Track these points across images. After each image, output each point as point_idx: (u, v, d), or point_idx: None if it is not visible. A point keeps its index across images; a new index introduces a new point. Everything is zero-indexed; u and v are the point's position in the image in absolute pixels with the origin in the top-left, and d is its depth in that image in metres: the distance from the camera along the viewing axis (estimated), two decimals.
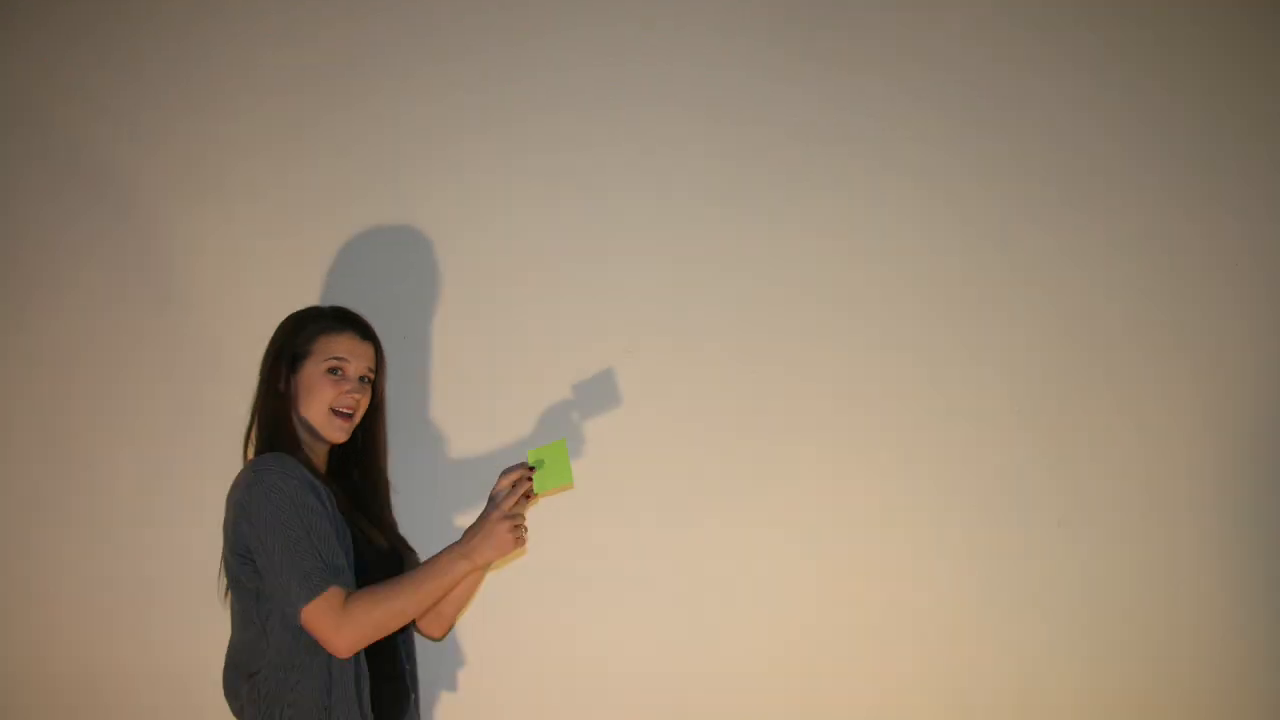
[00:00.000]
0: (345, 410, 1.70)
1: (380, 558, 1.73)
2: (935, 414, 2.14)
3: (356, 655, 1.63)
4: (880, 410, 2.14)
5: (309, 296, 2.08)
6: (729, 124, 2.16)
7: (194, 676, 2.06)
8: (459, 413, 2.10)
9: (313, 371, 1.70)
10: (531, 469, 1.66)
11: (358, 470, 1.81)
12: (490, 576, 2.01)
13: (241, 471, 1.66)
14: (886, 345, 2.14)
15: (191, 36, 2.16)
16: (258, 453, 1.70)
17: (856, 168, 2.17)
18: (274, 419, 1.70)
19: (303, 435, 1.71)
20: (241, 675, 1.64)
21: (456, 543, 1.62)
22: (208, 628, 2.07)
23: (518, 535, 1.61)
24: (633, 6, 2.17)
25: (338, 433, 1.71)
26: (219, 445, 2.09)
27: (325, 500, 1.63)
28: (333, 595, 1.55)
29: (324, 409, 1.69)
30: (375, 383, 1.79)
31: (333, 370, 1.70)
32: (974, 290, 2.17)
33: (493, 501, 1.64)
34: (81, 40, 2.16)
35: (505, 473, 1.67)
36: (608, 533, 2.10)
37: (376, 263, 2.12)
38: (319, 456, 1.75)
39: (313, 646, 1.59)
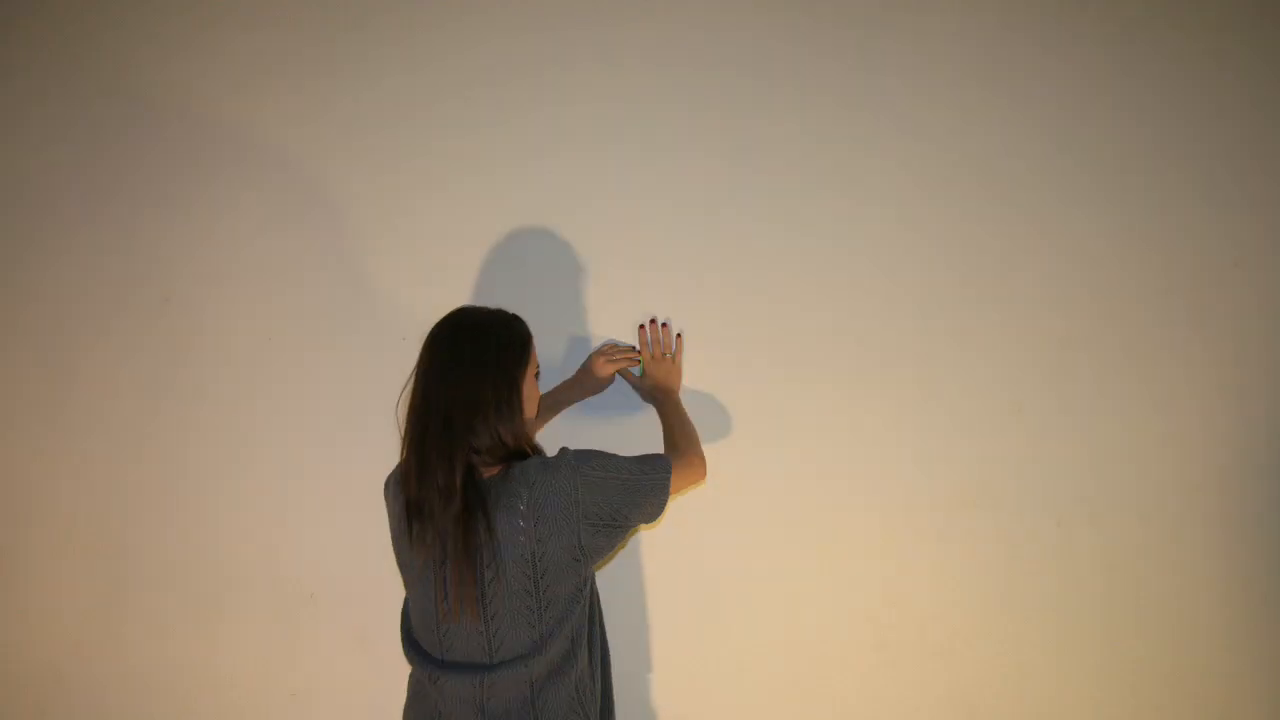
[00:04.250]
0: None
1: None
2: (934, 415, 2.15)
3: (598, 639, 1.77)
4: (879, 410, 2.14)
5: (311, 294, 2.08)
6: (733, 123, 2.14)
7: (197, 676, 2.07)
8: None
9: (530, 381, 1.71)
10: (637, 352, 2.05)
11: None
12: None
13: (541, 473, 1.62)
14: (884, 346, 2.14)
15: (195, 35, 2.14)
16: (510, 458, 1.66)
17: (862, 166, 2.16)
18: (527, 427, 1.69)
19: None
20: (564, 687, 1.64)
21: (669, 390, 2.01)
22: (210, 629, 2.07)
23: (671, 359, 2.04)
24: (647, 10, 2.15)
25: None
26: (221, 443, 2.09)
27: None
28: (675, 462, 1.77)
29: (536, 408, 1.73)
30: None
31: (537, 375, 1.76)
32: (973, 290, 2.16)
33: (602, 354, 2.02)
34: (84, 39, 2.14)
35: (608, 346, 2.04)
36: None
37: (381, 260, 2.12)
38: None
39: (584, 640, 1.68)
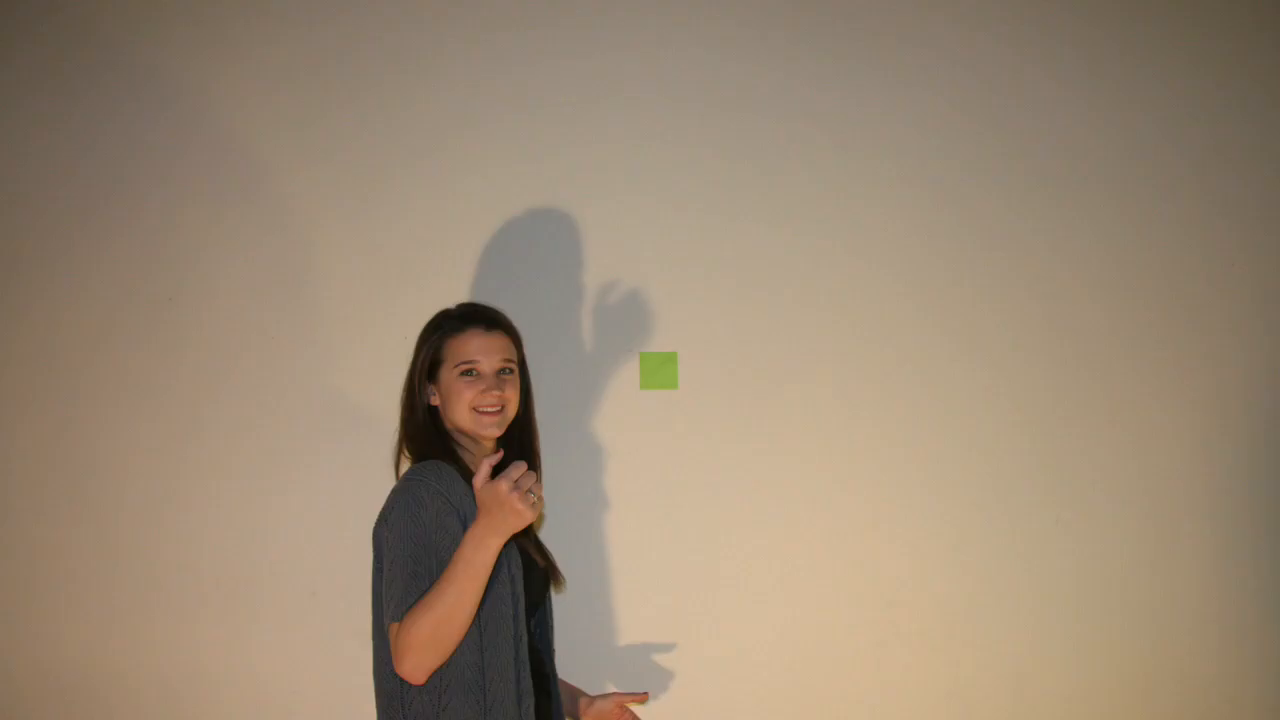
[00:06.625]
0: (488, 409, 1.67)
1: (535, 573, 1.72)
2: (933, 414, 2.15)
3: (518, 671, 1.60)
4: (877, 411, 2.15)
5: (313, 294, 2.10)
6: (727, 122, 2.16)
7: (196, 676, 2.07)
8: None
9: (448, 377, 1.68)
10: None
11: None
12: None
13: (400, 478, 1.65)
14: (884, 346, 2.15)
15: (185, 33, 2.16)
16: (412, 464, 1.70)
17: (852, 169, 2.17)
18: (423, 430, 1.70)
19: (460, 439, 1.71)
20: (395, 702, 1.57)
21: (474, 527, 1.49)
22: (209, 628, 2.08)
23: (530, 501, 1.47)
24: (648, 12, 2.18)
25: (490, 428, 1.68)
26: (220, 445, 2.10)
27: (472, 520, 1.54)
28: None
29: (466, 410, 1.67)
30: (521, 370, 1.77)
31: (466, 372, 1.68)
32: (971, 290, 2.18)
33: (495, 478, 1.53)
34: (84, 40, 2.16)
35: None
36: (611, 535, 2.11)
37: (382, 260, 2.13)
38: (481, 456, 1.67)
39: (472, 666, 1.56)
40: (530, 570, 1.71)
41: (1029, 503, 2.16)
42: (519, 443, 1.79)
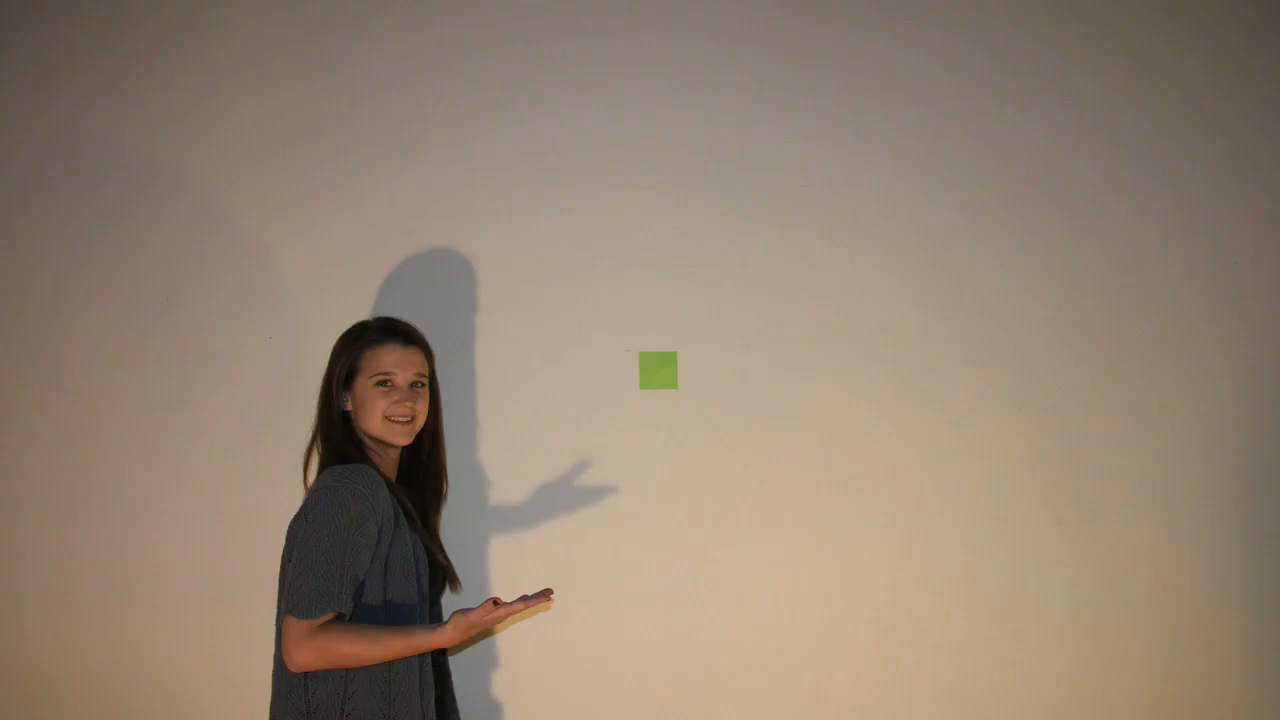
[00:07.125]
0: (400, 419, 1.76)
1: (437, 575, 1.82)
2: (934, 415, 2.16)
3: (421, 664, 1.70)
4: (878, 411, 2.15)
5: (311, 294, 2.10)
6: (733, 127, 2.17)
7: (194, 676, 2.07)
8: (460, 417, 2.10)
9: (364, 386, 1.76)
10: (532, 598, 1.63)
11: (421, 471, 1.88)
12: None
13: (320, 476, 1.72)
14: (884, 346, 2.16)
15: (197, 35, 2.16)
16: (322, 467, 1.78)
17: (859, 170, 2.18)
18: (337, 435, 1.77)
19: (370, 444, 1.78)
20: (296, 689, 1.64)
21: (445, 631, 1.59)
22: (208, 628, 2.08)
23: (470, 634, 1.61)
24: (645, 14, 2.19)
25: (399, 436, 1.76)
26: (220, 446, 2.10)
27: (387, 529, 1.67)
28: (322, 622, 1.59)
29: (379, 419, 1.75)
30: (431, 384, 1.85)
31: (381, 383, 1.75)
32: (972, 291, 2.18)
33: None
34: (83, 39, 2.16)
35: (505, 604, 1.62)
36: (610, 536, 2.11)
37: (379, 265, 2.13)
38: (389, 463, 1.81)
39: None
40: (433, 569, 1.80)
41: (1029, 503, 2.16)
42: (427, 453, 1.87)
